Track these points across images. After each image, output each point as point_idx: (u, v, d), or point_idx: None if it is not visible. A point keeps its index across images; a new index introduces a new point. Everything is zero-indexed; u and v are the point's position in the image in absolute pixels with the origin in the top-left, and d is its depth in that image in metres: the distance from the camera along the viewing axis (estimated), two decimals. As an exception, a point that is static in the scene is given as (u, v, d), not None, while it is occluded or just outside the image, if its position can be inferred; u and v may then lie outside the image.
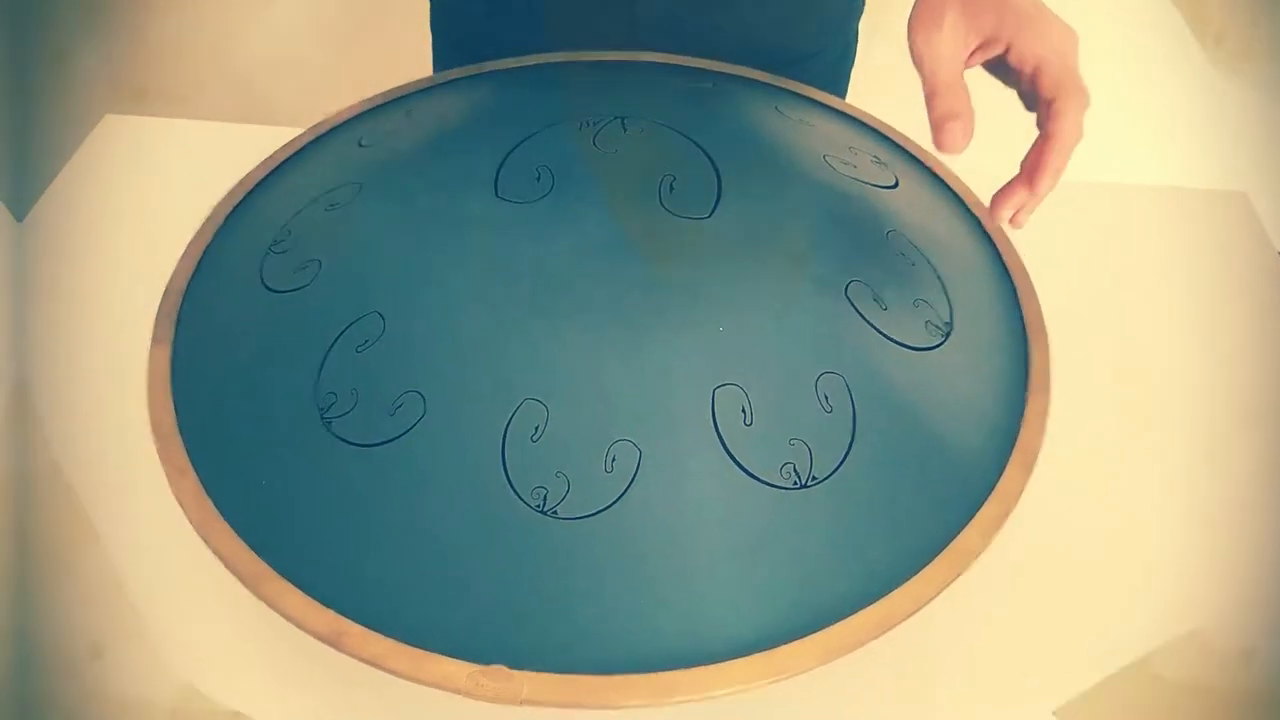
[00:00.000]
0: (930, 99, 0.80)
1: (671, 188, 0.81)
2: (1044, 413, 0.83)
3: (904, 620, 0.71)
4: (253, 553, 0.72)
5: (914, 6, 0.83)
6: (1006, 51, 0.82)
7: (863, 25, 1.35)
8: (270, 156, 0.97)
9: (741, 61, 1.09)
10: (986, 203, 0.89)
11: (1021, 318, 0.89)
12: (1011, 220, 0.83)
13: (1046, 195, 0.81)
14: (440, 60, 1.36)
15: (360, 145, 0.92)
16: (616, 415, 0.72)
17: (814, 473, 0.73)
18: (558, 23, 1.19)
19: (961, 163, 0.91)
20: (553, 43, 1.09)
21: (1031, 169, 0.81)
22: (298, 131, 0.99)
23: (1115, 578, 0.92)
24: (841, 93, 1.37)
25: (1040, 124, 0.81)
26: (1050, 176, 0.80)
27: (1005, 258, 0.94)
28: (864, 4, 1.33)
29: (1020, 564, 0.90)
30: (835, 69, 1.34)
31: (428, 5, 1.34)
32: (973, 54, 0.82)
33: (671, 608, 0.70)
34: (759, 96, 1.02)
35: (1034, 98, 0.82)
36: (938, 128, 0.79)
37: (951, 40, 0.80)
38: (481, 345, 0.75)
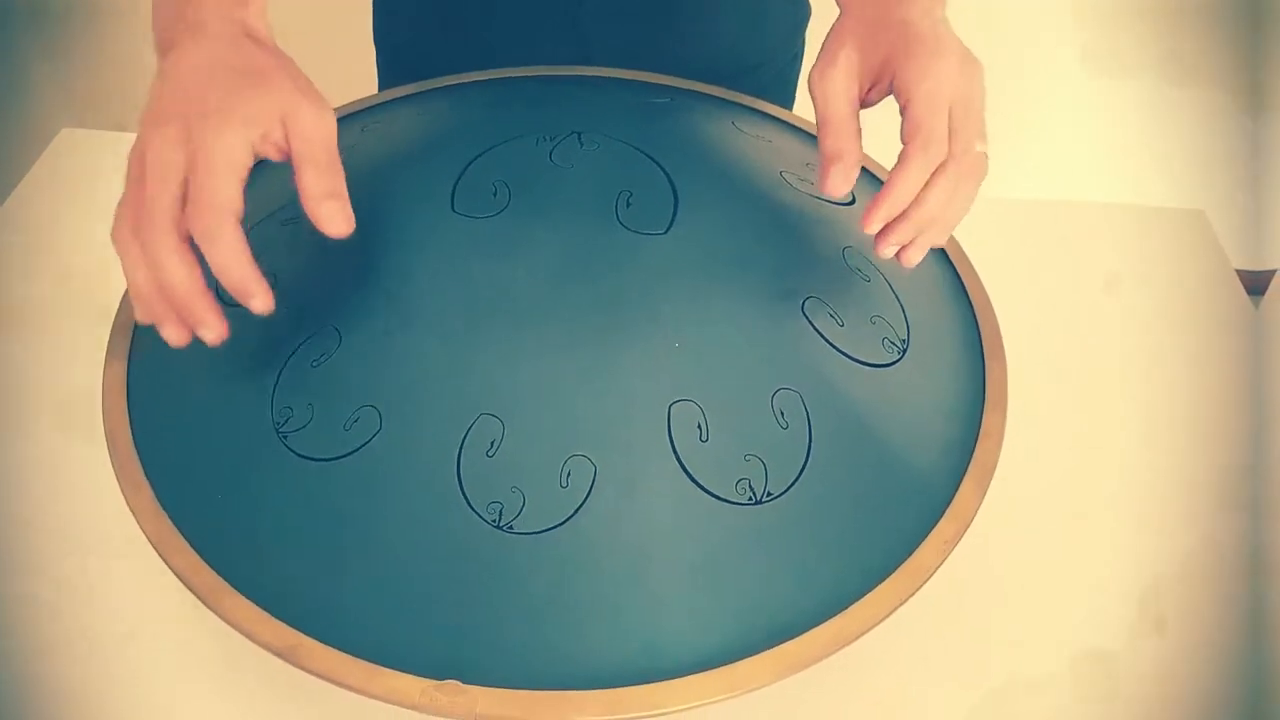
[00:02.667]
0: (819, 133, 0.78)
1: (629, 203, 0.81)
2: (1000, 430, 0.83)
3: (858, 637, 0.71)
4: (208, 566, 0.72)
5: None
6: (891, 87, 0.79)
7: (809, 33, 1.35)
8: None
9: (691, 74, 1.09)
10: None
11: (979, 335, 0.89)
12: (877, 239, 0.79)
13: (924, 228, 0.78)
14: (386, 76, 1.36)
15: (317, 160, 0.92)
16: (572, 430, 0.72)
17: (769, 489, 0.73)
18: (505, 39, 1.19)
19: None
20: (500, 60, 1.09)
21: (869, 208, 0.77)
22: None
23: (1070, 594, 0.93)
24: (790, 101, 1.38)
25: None
26: (871, 220, 0.77)
27: (962, 275, 0.94)
28: (810, 12, 1.33)
29: (975, 581, 0.90)
30: (783, 77, 1.35)
31: (370, 22, 1.34)
32: (870, 90, 0.80)
33: (626, 623, 0.70)
34: (716, 112, 1.02)
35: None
36: (822, 169, 0.77)
37: (845, 76, 0.78)
38: (437, 360, 0.74)
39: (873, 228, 0.77)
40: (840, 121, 0.77)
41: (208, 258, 0.67)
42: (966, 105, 0.76)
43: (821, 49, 0.81)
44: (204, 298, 0.69)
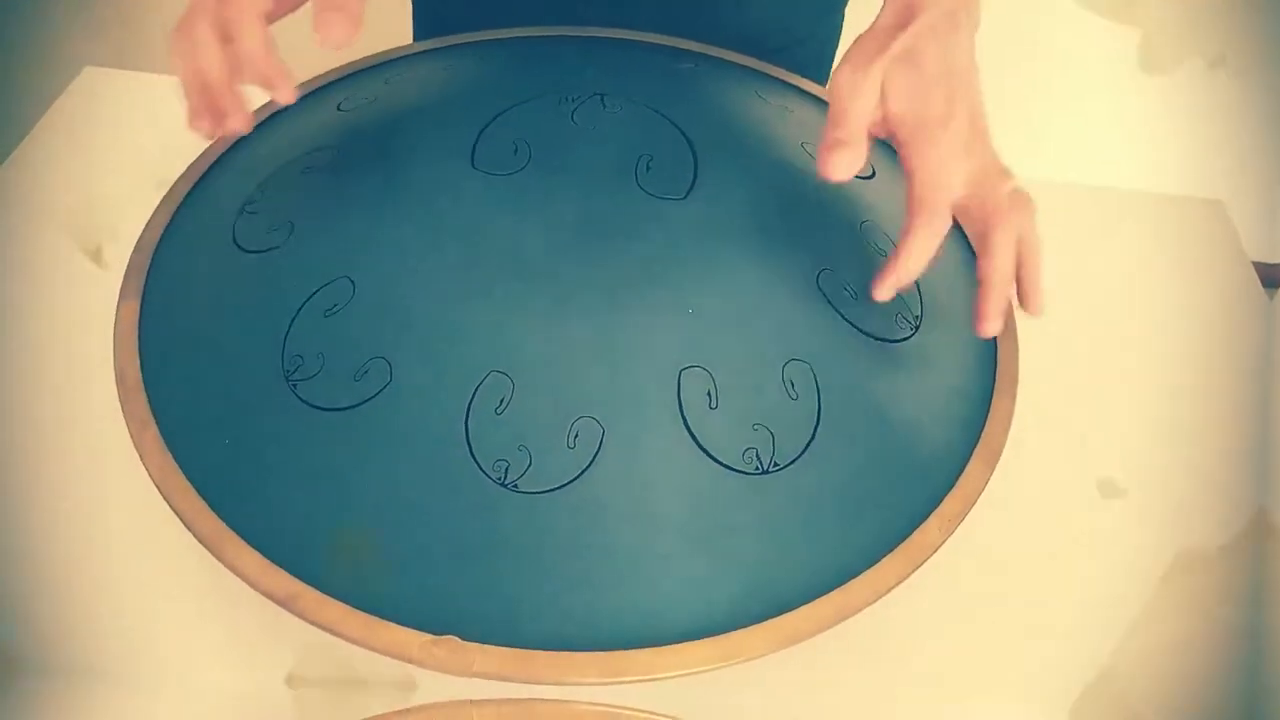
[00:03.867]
0: (830, 124, 0.76)
1: (648, 167, 0.81)
2: (1010, 411, 0.83)
3: (860, 611, 0.71)
4: (211, 511, 0.72)
5: (851, 44, 0.79)
6: (895, 137, 0.78)
7: (848, 11, 1.34)
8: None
9: (731, 45, 1.09)
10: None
11: (992, 314, 0.89)
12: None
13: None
14: (420, 30, 1.36)
15: (339, 110, 0.92)
16: (581, 392, 0.72)
17: (776, 459, 0.73)
18: (545, 6, 1.19)
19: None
20: (539, 18, 1.08)
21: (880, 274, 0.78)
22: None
23: (1076, 577, 0.92)
24: (824, 80, 1.37)
25: None
26: (881, 289, 0.78)
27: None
28: None
29: (978, 560, 0.90)
30: (821, 55, 1.34)
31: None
32: (878, 122, 0.79)
33: (627, 587, 0.70)
34: (740, 80, 1.02)
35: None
36: (824, 151, 0.76)
37: (871, 91, 0.76)
38: (450, 315, 0.74)
39: (883, 295, 0.78)
40: (852, 113, 0.76)
41: (237, 50, 0.74)
42: (983, 169, 0.78)
43: (855, 47, 0.78)
44: (231, 90, 0.75)
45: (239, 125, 0.76)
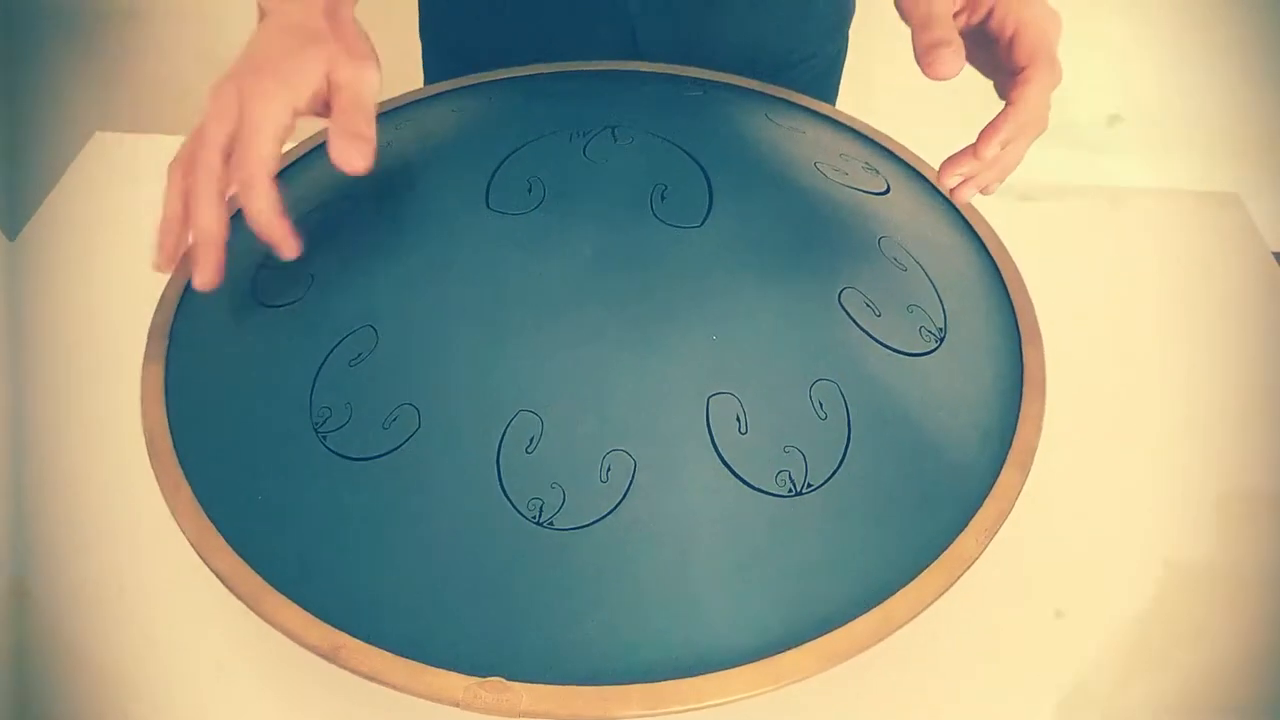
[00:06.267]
0: (921, 31, 0.77)
1: (663, 197, 0.81)
2: (1039, 415, 0.83)
3: (902, 625, 0.71)
4: (250, 568, 0.72)
5: None
6: (989, 16, 0.80)
7: (853, 30, 1.34)
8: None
9: (738, 69, 1.09)
10: (977, 207, 0.90)
11: (1015, 321, 0.89)
12: (955, 190, 0.82)
13: (993, 166, 0.80)
14: (431, 71, 1.36)
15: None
16: (611, 425, 0.72)
17: (809, 480, 0.73)
18: (556, 36, 1.19)
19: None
20: (550, 55, 1.09)
21: (982, 134, 0.79)
22: (289, 145, 0.99)
23: (1112, 579, 0.92)
24: (832, 98, 1.37)
25: (1005, 94, 0.80)
26: (994, 143, 0.78)
27: (998, 261, 0.93)
28: (854, 9, 1.33)
29: (1017, 567, 0.90)
30: (827, 73, 1.34)
31: (417, 15, 1.34)
32: (957, 16, 0.81)
33: (669, 617, 0.69)
34: (749, 104, 1.02)
35: (1006, 71, 0.80)
36: (928, 51, 0.75)
37: None
38: (475, 357, 0.74)
39: (989, 147, 0.79)
40: (943, 18, 0.77)
41: (243, 205, 0.74)
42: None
43: None
44: (216, 248, 0.75)
45: (205, 281, 0.76)
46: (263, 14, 0.83)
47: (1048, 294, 0.92)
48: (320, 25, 0.79)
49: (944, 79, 0.75)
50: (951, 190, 0.81)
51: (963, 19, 0.81)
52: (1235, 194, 1.31)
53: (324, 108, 0.78)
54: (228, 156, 0.75)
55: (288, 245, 0.76)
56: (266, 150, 0.75)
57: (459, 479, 0.71)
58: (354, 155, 0.75)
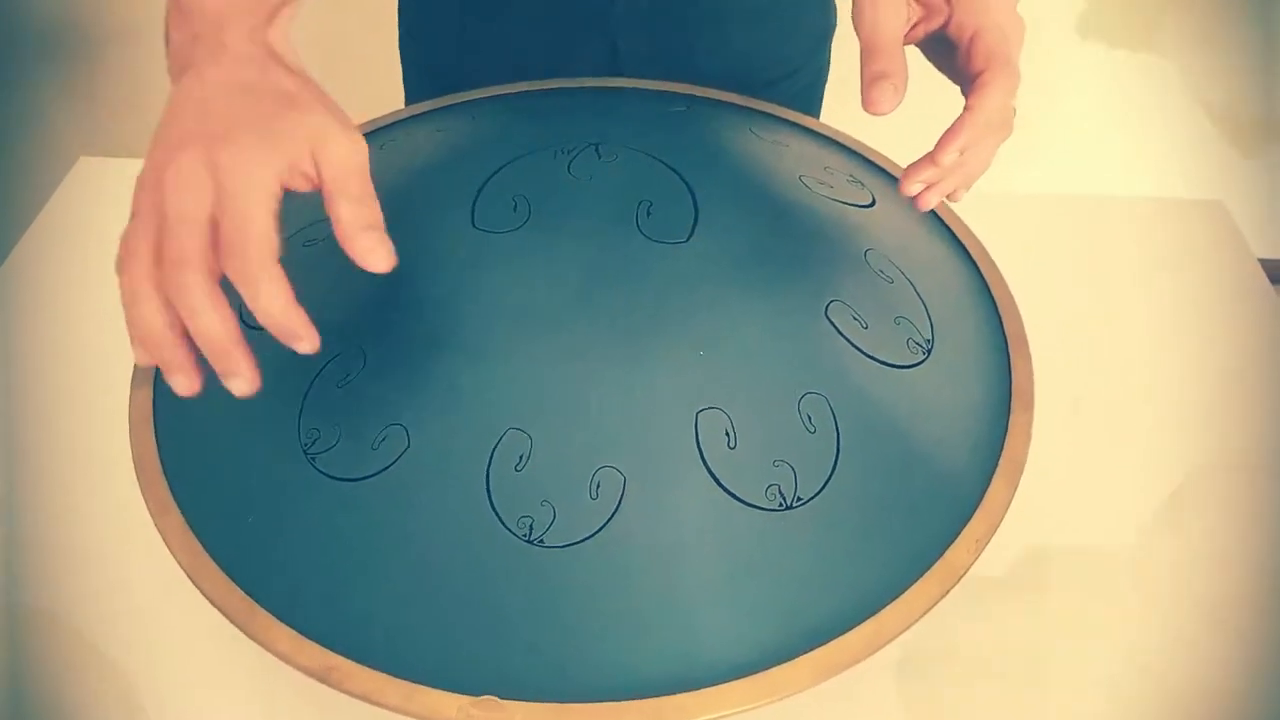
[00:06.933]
0: (865, 59, 0.77)
1: (649, 213, 0.81)
2: (1028, 426, 0.83)
3: (894, 637, 0.71)
4: (240, 591, 0.72)
5: None
6: (947, 23, 0.80)
7: (835, 44, 1.35)
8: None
9: (721, 84, 1.09)
10: (963, 218, 0.90)
11: (1003, 332, 0.89)
12: (917, 198, 0.80)
13: (955, 171, 0.79)
14: (412, 89, 1.36)
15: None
16: (600, 442, 0.72)
17: (799, 493, 0.73)
18: (537, 52, 1.19)
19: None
20: (531, 72, 1.09)
21: (940, 141, 0.78)
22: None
23: (1102, 590, 0.92)
24: (816, 111, 1.38)
25: (965, 97, 0.79)
26: (952, 149, 0.76)
27: (985, 273, 0.94)
28: (836, 21, 1.33)
29: (1008, 578, 0.90)
30: (811, 87, 1.34)
31: (396, 33, 1.34)
32: (915, 26, 0.82)
33: (661, 632, 0.69)
34: (733, 119, 1.02)
35: (966, 77, 0.79)
36: (869, 86, 0.75)
37: (894, 5, 0.77)
38: (463, 377, 0.74)
39: (946, 153, 0.77)
40: (887, 48, 0.76)
41: (249, 302, 0.64)
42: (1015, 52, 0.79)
43: None
44: (241, 347, 0.65)
45: (250, 386, 0.66)
46: (181, 71, 0.71)
47: (1035, 304, 0.92)
48: (289, 86, 0.69)
49: (882, 115, 0.76)
50: (914, 198, 0.80)
51: (921, 28, 0.82)
52: (1220, 201, 1.31)
53: (301, 181, 0.67)
54: (211, 247, 0.63)
55: (310, 338, 0.66)
56: (264, 227, 0.64)
57: (449, 498, 0.71)
58: (384, 253, 0.66)
